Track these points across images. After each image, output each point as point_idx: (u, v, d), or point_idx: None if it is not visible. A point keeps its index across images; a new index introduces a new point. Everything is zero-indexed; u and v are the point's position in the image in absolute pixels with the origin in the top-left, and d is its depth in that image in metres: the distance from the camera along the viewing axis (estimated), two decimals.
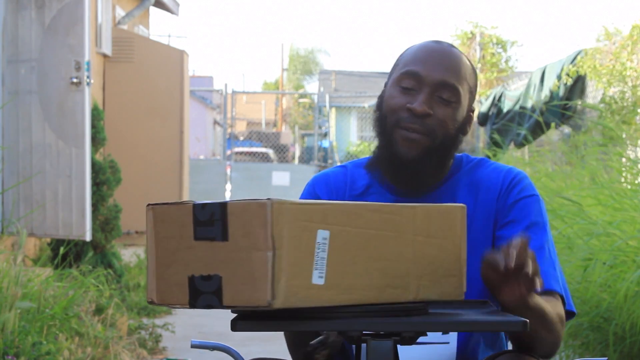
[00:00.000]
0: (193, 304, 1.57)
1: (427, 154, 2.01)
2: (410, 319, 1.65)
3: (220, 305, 1.55)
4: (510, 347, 2.26)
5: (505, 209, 2.06)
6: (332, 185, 2.14)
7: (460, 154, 2.15)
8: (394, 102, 2.03)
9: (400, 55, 2.10)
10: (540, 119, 9.76)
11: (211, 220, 1.55)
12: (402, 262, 1.65)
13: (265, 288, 1.50)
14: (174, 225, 1.60)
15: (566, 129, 10.06)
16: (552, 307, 1.89)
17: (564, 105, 9.66)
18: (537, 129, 10.55)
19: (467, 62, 2.08)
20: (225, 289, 1.54)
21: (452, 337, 2.03)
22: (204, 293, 1.56)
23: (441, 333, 1.99)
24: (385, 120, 2.04)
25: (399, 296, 1.64)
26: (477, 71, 13.41)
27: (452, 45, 2.09)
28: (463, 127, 2.07)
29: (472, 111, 2.11)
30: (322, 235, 1.56)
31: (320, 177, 2.17)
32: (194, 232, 1.57)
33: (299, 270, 1.54)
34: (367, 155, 2.16)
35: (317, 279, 1.55)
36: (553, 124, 9.72)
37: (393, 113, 2.03)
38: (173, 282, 1.59)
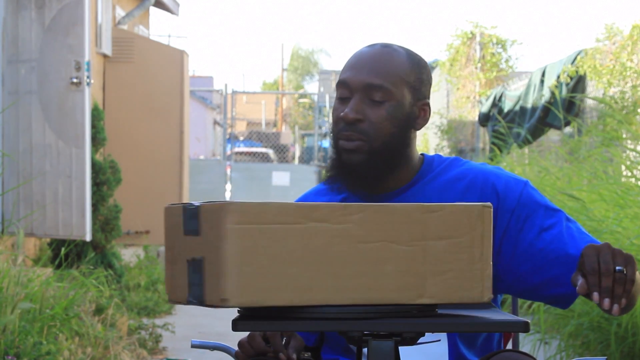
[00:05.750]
0: None
1: (370, 157, 2.03)
2: (412, 319, 1.65)
3: None
4: (510, 346, 2.26)
5: (508, 211, 2.05)
6: None
7: (431, 155, 2.17)
8: (334, 114, 2.09)
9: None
10: (557, 113, 9.71)
11: None
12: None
13: None
14: None
15: (567, 129, 10.05)
16: None
17: (567, 107, 9.64)
18: (538, 129, 10.53)
19: (401, 58, 2.07)
20: None
21: (443, 334, 2.04)
22: None
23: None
24: (332, 132, 2.10)
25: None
26: (477, 71, 13.34)
27: (386, 45, 2.09)
28: (410, 123, 2.07)
29: (425, 104, 2.11)
30: None
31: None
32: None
33: None
34: None
35: None
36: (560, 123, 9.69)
37: (335, 125, 2.08)
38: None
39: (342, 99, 2.07)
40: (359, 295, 1.61)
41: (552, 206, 2.09)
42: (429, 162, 2.14)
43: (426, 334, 1.93)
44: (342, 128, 2.05)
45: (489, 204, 1.68)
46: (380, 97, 2.03)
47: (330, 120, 2.15)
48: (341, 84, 2.07)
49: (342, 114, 2.05)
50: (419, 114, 2.09)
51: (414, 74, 2.08)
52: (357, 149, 2.03)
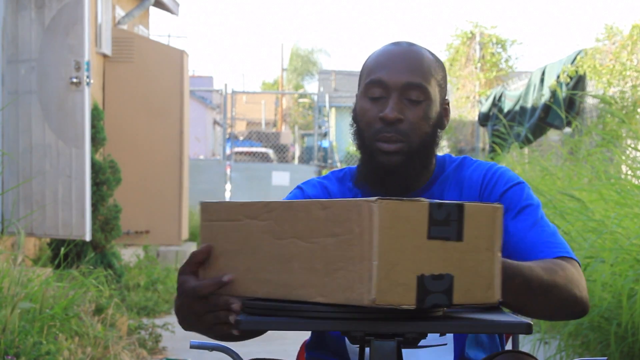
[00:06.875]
0: (420, 304, 1.55)
1: (409, 158, 2.01)
2: (414, 320, 1.64)
3: (449, 304, 1.57)
4: (510, 346, 2.26)
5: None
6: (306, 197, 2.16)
7: (442, 155, 2.15)
8: (366, 114, 2.03)
9: (364, 65, 2.09)
10: (559, 112, 9.70)
11: (447, 220, 1.57)
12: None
13: (495, 287, 1.62)
14: (404, 223, 1.55)
15: (567, 129, 10.05)
16: (549, 274, 1.84)
17: (567, 107, 9.63)
18: (538, 129, 10.52)
19: (430, 57, 2.05)
20: (456, 288, 1.57)
21: (449, 338, 2.03)
22: (433, 292, 1.56)
23: (438, 335, 1.98)
24: (363, 133, 2.04)
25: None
26: (477, 71, 13.33)
27: (411, 44, 2.07)
28: (440, 122, 2.06)
29: (447, 103, 2.10)
30: None
31: (300, 187, 2.18)
32: (429, 231, 1.56)
33: None
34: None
35: None
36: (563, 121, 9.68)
37: (368, 126, 2.02)
38: (399, 282, 1.54)
39: (374, 99, 2.02)
40: (274, 290, 1.65)
41: (533, 206, 2.04)
42: (441, 162, 2.12)
43: (432, 336, 1.93)
44: (380, 129, 2.00)
45: (373, 199, 1.55)
46: (417, 97, 2.00)
47: (350, 120, 2.09)
48: (375, 83, 2.01)
49: (382, 114, 1.99)
50: (444, 113, 2.09)
51: (441, 73, 2.07)
52: (398, 151, 1.99)
